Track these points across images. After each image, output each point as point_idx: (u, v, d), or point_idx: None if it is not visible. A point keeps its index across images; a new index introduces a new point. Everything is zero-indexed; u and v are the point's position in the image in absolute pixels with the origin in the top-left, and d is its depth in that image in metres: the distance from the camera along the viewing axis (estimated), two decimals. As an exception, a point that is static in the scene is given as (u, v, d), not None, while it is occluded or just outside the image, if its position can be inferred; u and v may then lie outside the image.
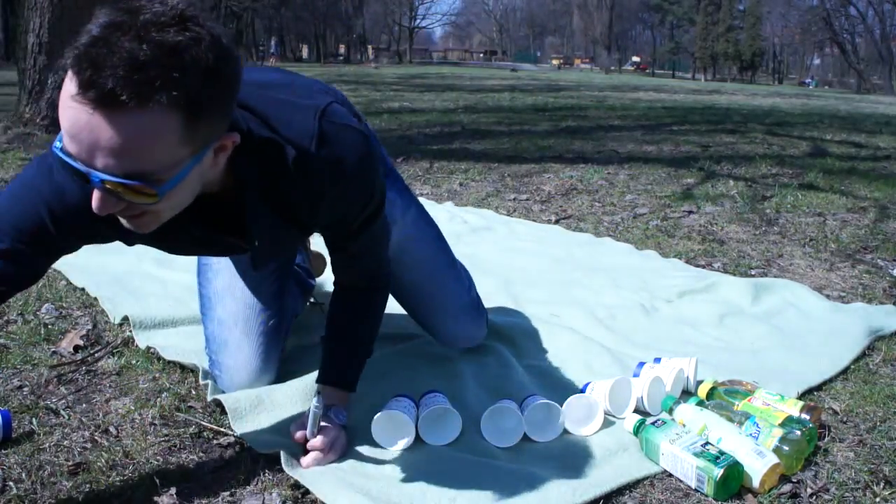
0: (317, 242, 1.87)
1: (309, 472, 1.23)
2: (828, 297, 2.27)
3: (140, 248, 2.57)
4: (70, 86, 0.83)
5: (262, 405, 1.43)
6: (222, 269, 1.59)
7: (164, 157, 0.89)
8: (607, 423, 1.43)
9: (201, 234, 1.13)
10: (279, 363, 1.57)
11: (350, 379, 1.39)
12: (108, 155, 0.85)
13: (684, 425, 1.36)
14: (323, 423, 1.29)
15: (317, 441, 1.28)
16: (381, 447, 1.33)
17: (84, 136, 0.84)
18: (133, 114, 0.83)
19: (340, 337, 1.39)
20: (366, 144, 1.15)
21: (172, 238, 1.16)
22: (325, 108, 1.12)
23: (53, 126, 4.89)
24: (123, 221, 0.97)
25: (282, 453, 1.25)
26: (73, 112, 0.83)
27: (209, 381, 1.52)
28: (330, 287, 1.42)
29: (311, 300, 2.01)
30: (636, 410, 1.47)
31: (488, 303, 2.12)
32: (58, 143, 0.89)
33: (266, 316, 1.55)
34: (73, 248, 1.14)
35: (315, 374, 1.56)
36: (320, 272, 2.08)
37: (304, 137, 1.08)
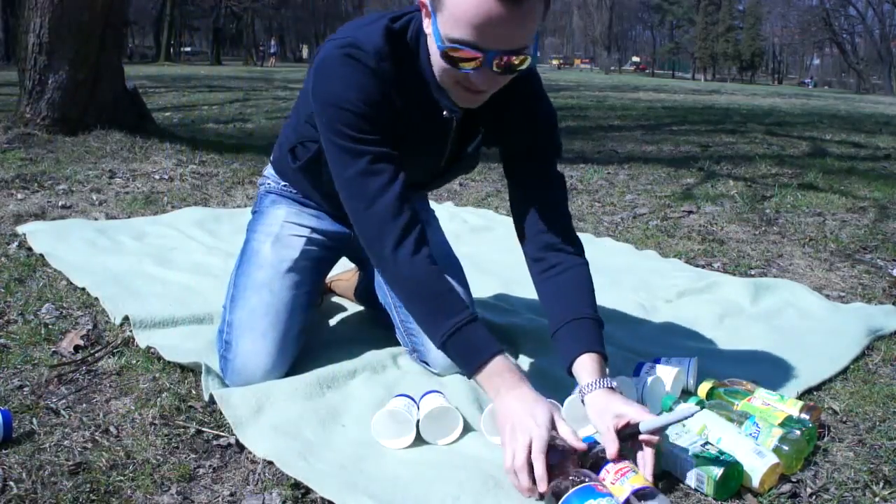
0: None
1: (311, 472, 1.23)
2: (828, 297, 2.27)
3: (140, 248, 2.56)
4: None
5: (262, 407, 1.43)
6: (266, 265, 1.62)
7: (532, 34, 1.20)
8: (607, 423, 1.42)
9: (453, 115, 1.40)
10: (289, 367, 1.58)
11: (600, 347, 1.34)
12: (513, 36, 1.16)
13: (684, 425, 1.36)
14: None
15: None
16: (382, 447, 1.34)
17: (497, 25, 1.13)
18: (530, 4, 1.14)
19: (575, 308, 1.37)
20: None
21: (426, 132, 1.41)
22: None
23: (53, 126, 4.90)
24: (467, 100, 1.29)
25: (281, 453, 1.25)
26: (487, 6, 1.11)
27: (208, 380, 1.51)
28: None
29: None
30: (636, 410, 1.47)
31: (488, 303, 2.13)
32: (438, 43, 1.19)
33: (293, 319, 1.58)
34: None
35: (316, 372, 1.57)
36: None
37: None
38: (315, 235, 1.70)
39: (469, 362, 1.27)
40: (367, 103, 1.28)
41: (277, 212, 1.71)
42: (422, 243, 1.32)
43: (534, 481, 1.13)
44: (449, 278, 1.35)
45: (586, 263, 1.46)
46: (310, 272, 1.67)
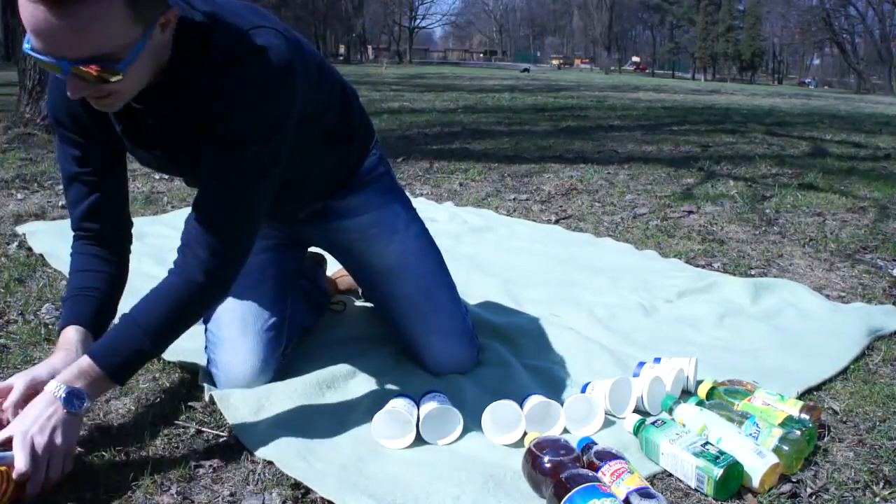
0: (330, 262, 1.89)
1: (311, 472, 1.23)
2: (828, 297, 2.27)
3: (140, 248, 2.56)
4: None
5: (262, 407, 1.43)
6: None
7: (119, 38, 1.02)
8: (607, 423, 1.43)
9: (155, 121, 1.25)
10: (277, 365, 1.56)
11: (114, 358, 1.21)
12: (69, 44, 0.99)
13: (684, 425, 1.36)
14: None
15: (20, 463, 1.10)
16: (382, 447, 1.34)
17: (45, 31, 0.97)
18: (78, 3, 0.96)
19: (133, 314, 1.25)
20: (281, 68, 1.19)
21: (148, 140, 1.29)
22: (272, 25, 1.21)
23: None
24: (92, 103, 1.11)
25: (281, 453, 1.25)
26: (30, 10, 0.96)
27: (207, 383, 1.52)
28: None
29: (336, 303, 2.02)
30: (636, 410, 1.47)
31: (488, 303, 2.13)
32: (26, 45, 1.02)
33: (264, 317, 1.55)
34: (101, 146, 1.32)
35: (317, 372, 1.57)
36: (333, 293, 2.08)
37: (239, 30, 1.18)
38: (262, 232, 1.60)
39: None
40: (56, 119, 1.31)
41: None
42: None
43: None
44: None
45: (186, 278, 1.26)
46: (269, 264, 1.61)
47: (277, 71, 1.19)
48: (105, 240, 1.40)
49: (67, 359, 1.25)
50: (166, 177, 3.87)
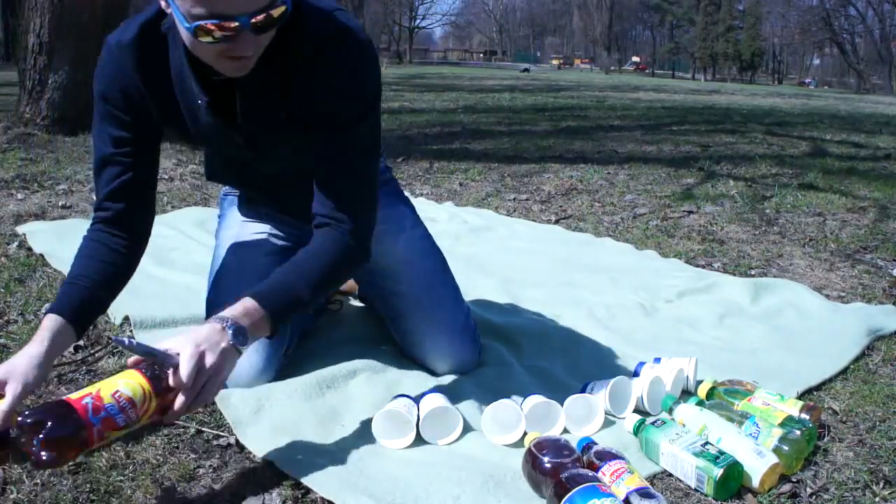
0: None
1: (310, 472, 1.23)
2: (828, 297, 2.27)
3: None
4: None
5: (262, 407, 1.43)
6: (230, 273, 1.61)
7: None
8: (607, 423, 1.43)
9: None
10: (278, 364, 1.56)
11: (275, 301, 1.21)
12: None
13: (684, 425, 1.36)
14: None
15: (185, 374, 1.05)
16: (382, 447, 1.34)
17: None
18: None
19: (291, 264, 1.28)
20: (369, 45, 1.29)
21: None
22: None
23: (53, 126, 4.90)
24: (230, 70, 1.17)
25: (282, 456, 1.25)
26: None
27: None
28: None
29: (332, 302, 2.02)
30: (636, 410, 1.47)
31: (488, 302, 2.13)
32: (187, 25, 1.07)
33: None
34: (145, 126, 1.33)
35: (317, 372, 1.57)
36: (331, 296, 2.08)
37: (326, 10, 1.26)
38: (274, 231, 1.68)
39: None
40: (105, 95, 1.30)
41: (235, 212, 1.72)
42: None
43: None
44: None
45: (338, 239, 1.31)
46: (273, 266, 1.56)
47: (368, 46, 1.29)
48: (123, 224, 1.37)
49: (40, 349, 1.18)
50: (166, 177, 3.87)
